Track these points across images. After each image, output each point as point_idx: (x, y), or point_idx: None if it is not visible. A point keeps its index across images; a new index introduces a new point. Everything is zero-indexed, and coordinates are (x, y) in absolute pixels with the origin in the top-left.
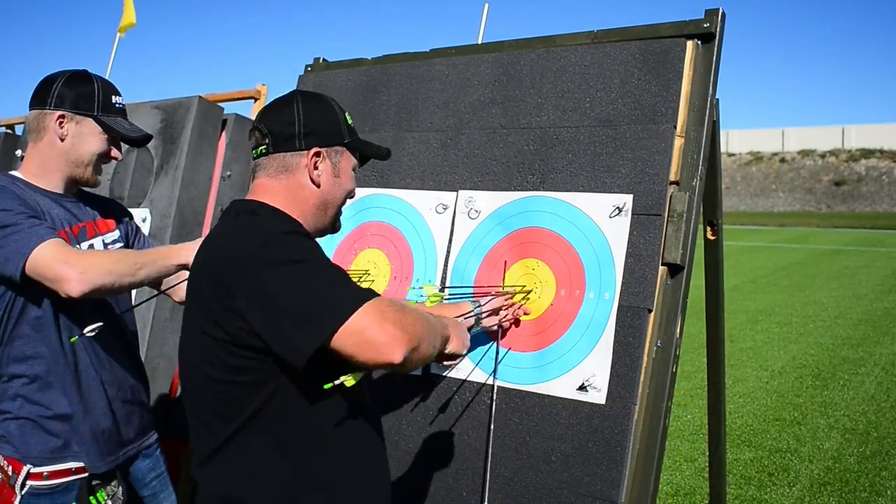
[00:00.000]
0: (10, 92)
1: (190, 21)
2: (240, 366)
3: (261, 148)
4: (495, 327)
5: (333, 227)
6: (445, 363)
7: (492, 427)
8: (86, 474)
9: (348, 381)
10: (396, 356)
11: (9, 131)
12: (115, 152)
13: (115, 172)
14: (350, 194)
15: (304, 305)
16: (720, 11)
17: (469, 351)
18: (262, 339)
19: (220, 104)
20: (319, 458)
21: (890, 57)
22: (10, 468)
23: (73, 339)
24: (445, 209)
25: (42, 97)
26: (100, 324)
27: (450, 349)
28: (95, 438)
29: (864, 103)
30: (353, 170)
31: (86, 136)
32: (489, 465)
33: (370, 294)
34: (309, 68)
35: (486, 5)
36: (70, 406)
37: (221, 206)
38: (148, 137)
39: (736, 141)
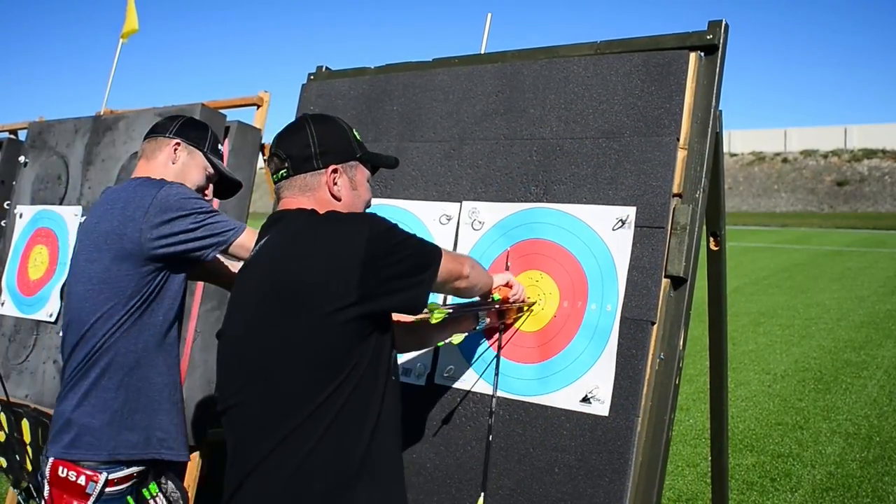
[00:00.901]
0: (13, 98)
1: (192, 27)
2: (331, 344)
3: (281, 172)
4: (500, 326)
5: None
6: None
7: (490, 438)
8: (135, 479)
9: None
10: (466, 270)
11: (12, 136)
12: (209, 189)
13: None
14: (368, 203)
15: (416, 266)
16: (723, 23)
17: (470, 360)
18: (379, 308)
19: (223, 111)
20: (375, 443)
21: (893, 57)
22: (83, 478)
23: None
24: (449, 220)
25: (162, 129)
26: None
27: (497, 282)
28: (180, 429)
29: (866, 103)
30: (368, 181)
31: (192, 167)
32: (488, 476)
33: (434, 244)
34: (312, 76)
35: (490, 15)
36: (163, 398)
37: (224, 212)
38: (240, 185)
39: (738, 141)
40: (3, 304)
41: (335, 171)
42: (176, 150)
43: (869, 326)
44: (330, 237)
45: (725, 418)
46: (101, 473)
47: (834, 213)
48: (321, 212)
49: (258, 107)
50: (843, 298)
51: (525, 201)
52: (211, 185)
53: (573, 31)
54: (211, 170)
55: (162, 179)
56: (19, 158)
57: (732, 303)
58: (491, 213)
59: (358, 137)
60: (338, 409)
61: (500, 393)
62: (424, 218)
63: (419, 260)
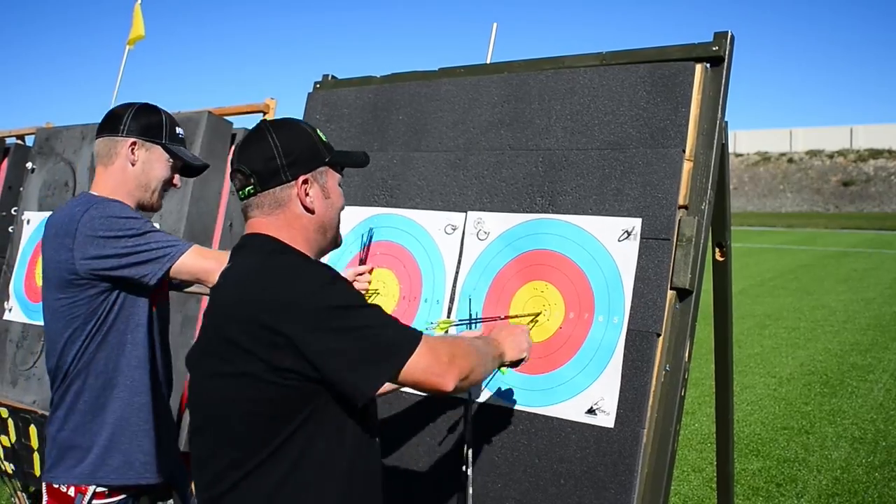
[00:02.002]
0: (20, 103)
1: (199, 34)
2: (273, 398)
3: (248, 189)
4: None
5: (335, 244)
6: (515, 370)
7: (469, 452)
8: (133, 492)
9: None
10: (449, 386)
11: (19, 142)
12: (176, 179)
13: None
14: (341, 210)
15: (366, 349)
16: (729, 34)
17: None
18: (319, 375)
19: (229, 118)
20: (335, 486)
21: None
22: (73, 490)
23: None
24: (454, 230)
25: (113, 126)
26: None
27: (509, 359)
28: (161, 451)
29: (872, 103)
30: (339, 185)
31: (153, 163)
32: (470, 483)
33: (419, 333)
34: (318, 85)
35: (495, 24)
36: (142, 420)
37: (230, 221)
38: (206, 166)
39: (743, 141)
40: (10, 309)
41: (305, 181)
42: (133, 149)
43: (875, 329)
44: (276, 286)
45: (731, 426)
46: (89, 486)
47: (840, 213)
48: (290, 232)
49: (264, 114)
50: (849, 300)
51: (530, 212)
52: (177, 175)
53: (579, 41)
54: (173, 160)
55: (91, 197)
56: (26, 164)
57: (737, 305)
58: (496, 223)
59: (324, 138)
60: (289, 467)
61: (505, 403)
62: (429, 228)
63: (375, 342)
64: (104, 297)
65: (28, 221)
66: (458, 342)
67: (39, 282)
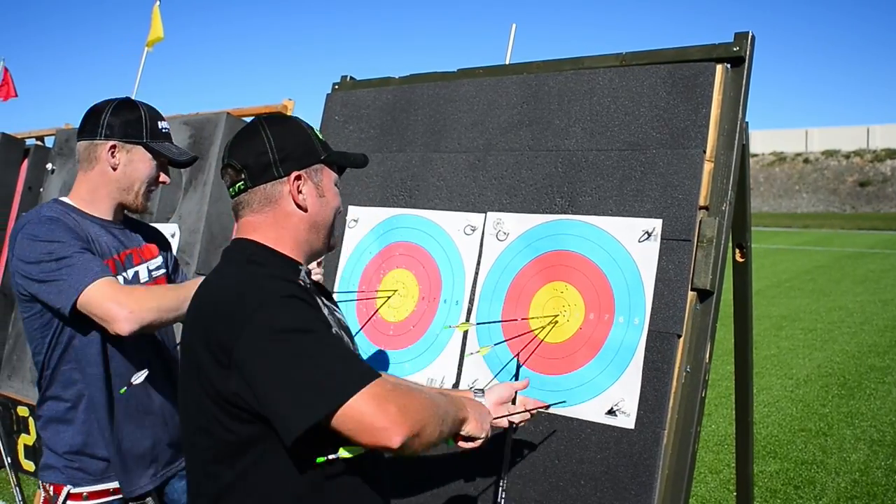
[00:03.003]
0: (40, 105)
1: (217, 35)
2: (229, 427)
3: (238, 185)
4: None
5: (328, 246)
6: (462, 444)
7: (505, 470)
8: (121, 495)
9: (344, 454)
10: (395, 441)
11: (39, 143)
12: (163, 176)
13: None
14: (337, 210)
15: (302, 382)
16: (750, 35)
17: (496, 372)
18: (257, 405)
19: (248, 119)
20: None
21: None
22: (52, 489)
23: (122, 391)
24: (474, 230)
25: (91, 128)
26: (145, 371)
27: (466, 431)
28: (131, 464)
29: (889, 103)
30: (336, 185)
31: (136, 164)
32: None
33: (372, 374)
34: (336, 86)
35: (514, 25)
36: (106, 432)
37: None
38: (194, 159)
39: (759, 141)
40: None
41: (298, 177)
42: (113, 153)
43: (893, 330)
44: (228, 302)
45: (751, 428)
46: (64, 486)
47: (856, 213)
48: (279, 232)
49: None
50: (866, 302)
51: (550, 213)
52: (163, 173)
53: (598, 42)
54: (157, 158)
55: (41, 208)
56: (46, 165)
57: (754, 306)
58: (516, 224)
59: (320, 137)
60: (256, 498)
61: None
62: (449, 228)
63: (312, 373)
64: (46, 311)
65: None
66: (413, 393)
67: None
